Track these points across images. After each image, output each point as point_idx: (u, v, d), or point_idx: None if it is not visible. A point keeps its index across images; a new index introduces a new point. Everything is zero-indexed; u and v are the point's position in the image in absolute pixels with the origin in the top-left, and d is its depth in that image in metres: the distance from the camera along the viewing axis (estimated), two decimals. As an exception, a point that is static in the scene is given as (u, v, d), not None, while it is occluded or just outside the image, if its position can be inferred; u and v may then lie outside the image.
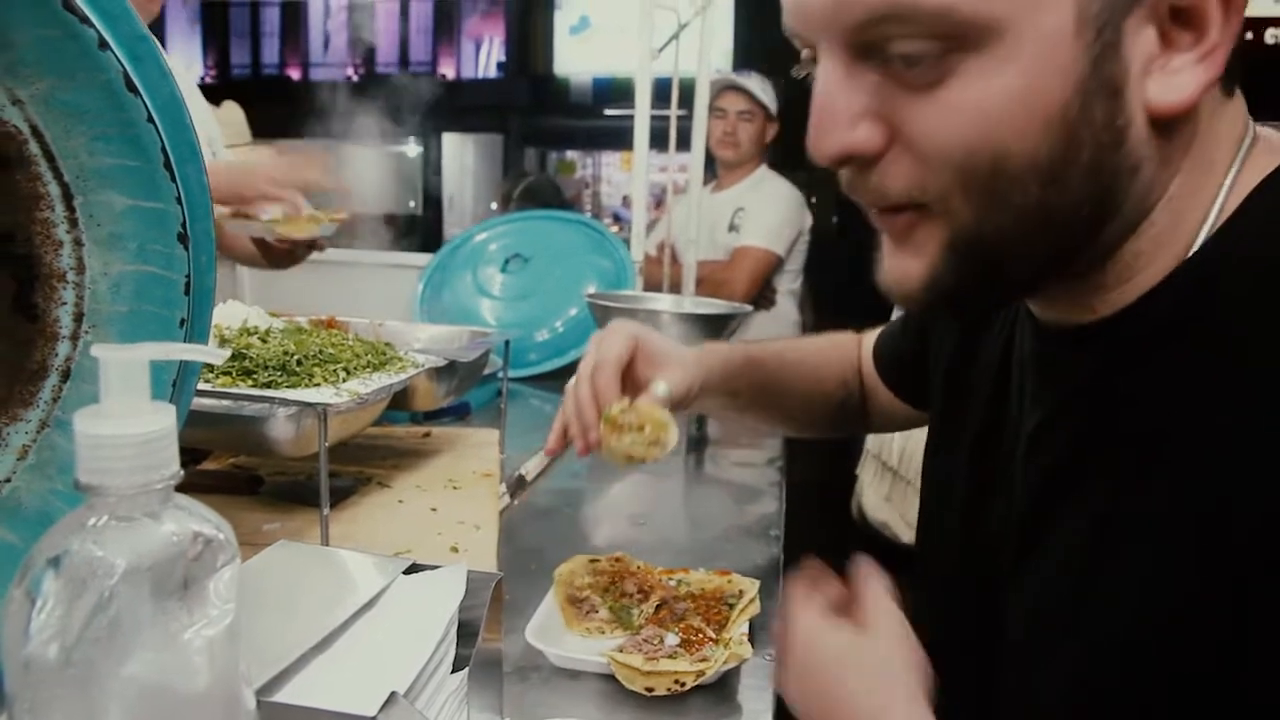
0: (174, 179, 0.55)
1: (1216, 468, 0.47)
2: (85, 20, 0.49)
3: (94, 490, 0.35)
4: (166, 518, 0.36)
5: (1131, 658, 0.50)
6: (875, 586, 0.61)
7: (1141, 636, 0.49)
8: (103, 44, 0.50)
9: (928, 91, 0.48)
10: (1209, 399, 0.48)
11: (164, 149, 0.54)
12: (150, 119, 0.53)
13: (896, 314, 0.97)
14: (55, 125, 0.54)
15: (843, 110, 0.50)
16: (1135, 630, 0.49)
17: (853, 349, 1.00)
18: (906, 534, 1.60)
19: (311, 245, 1.52)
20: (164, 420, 0.36)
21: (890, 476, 1.69)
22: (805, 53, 0.54)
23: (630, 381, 0.84)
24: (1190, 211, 0.51)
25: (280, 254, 1.54)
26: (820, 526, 1.68)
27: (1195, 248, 0.51)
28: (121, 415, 0.36)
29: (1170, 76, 0.47)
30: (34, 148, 0.54)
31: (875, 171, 0.51)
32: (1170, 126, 0.49)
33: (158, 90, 0.54)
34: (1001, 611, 0.61)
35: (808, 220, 2.71)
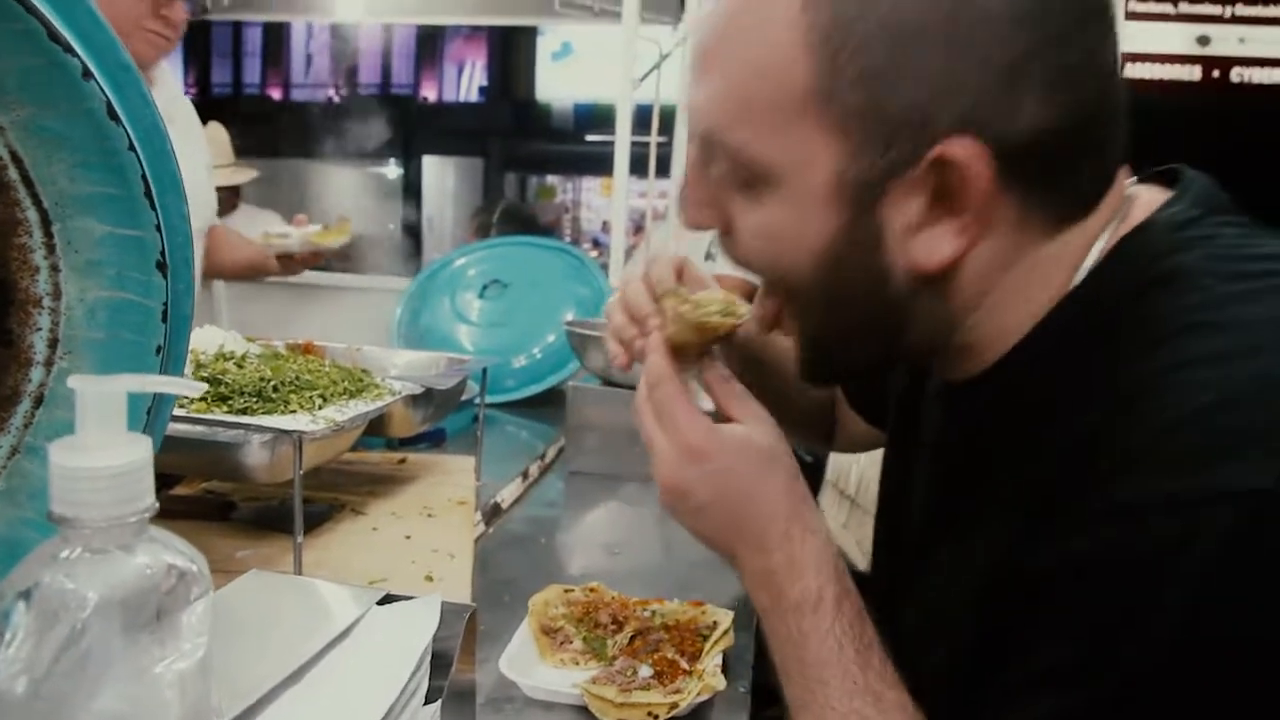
0: (154, 207, 0.55)
1: (1023, 506, 0.53)
2: (70, 50, 0.49)
3: (67, 522, 0.35)
4: (140, 550, 0.36)
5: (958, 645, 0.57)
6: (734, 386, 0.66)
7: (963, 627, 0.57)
8: (86, 73, 0.50)
9: (742, 197, 0.57)
10: (1023, 451, 0.55)
11: (144, 177, 0.54)
12: (132, 147, 0.53)
13: None
14: (36, 152, 0.54)
15: (696, 197, 0.60)
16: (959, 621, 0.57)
17: None
18: (862, 561, 1.61)
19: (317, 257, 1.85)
20: (140, 453, 0.36)
21: (848, 504, 1.70)
22: None
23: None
24: (1026, 307, 0.57)
25: (294, 264, 1.84)
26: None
27: (1035, 324, 0.57)
28: (97, 447, 0.36)
29: (930, 241, 0.54)
30: (13, 174, 0.54)
31: (723, 242, 0.61)
32: (942, 276, 0.55)
33: (140, 119, 0.54)
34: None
35: None
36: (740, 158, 0.55)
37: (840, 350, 0.62)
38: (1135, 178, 0.61)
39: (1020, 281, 0.57)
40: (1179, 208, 0.56)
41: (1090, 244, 0.56)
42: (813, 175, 0.53)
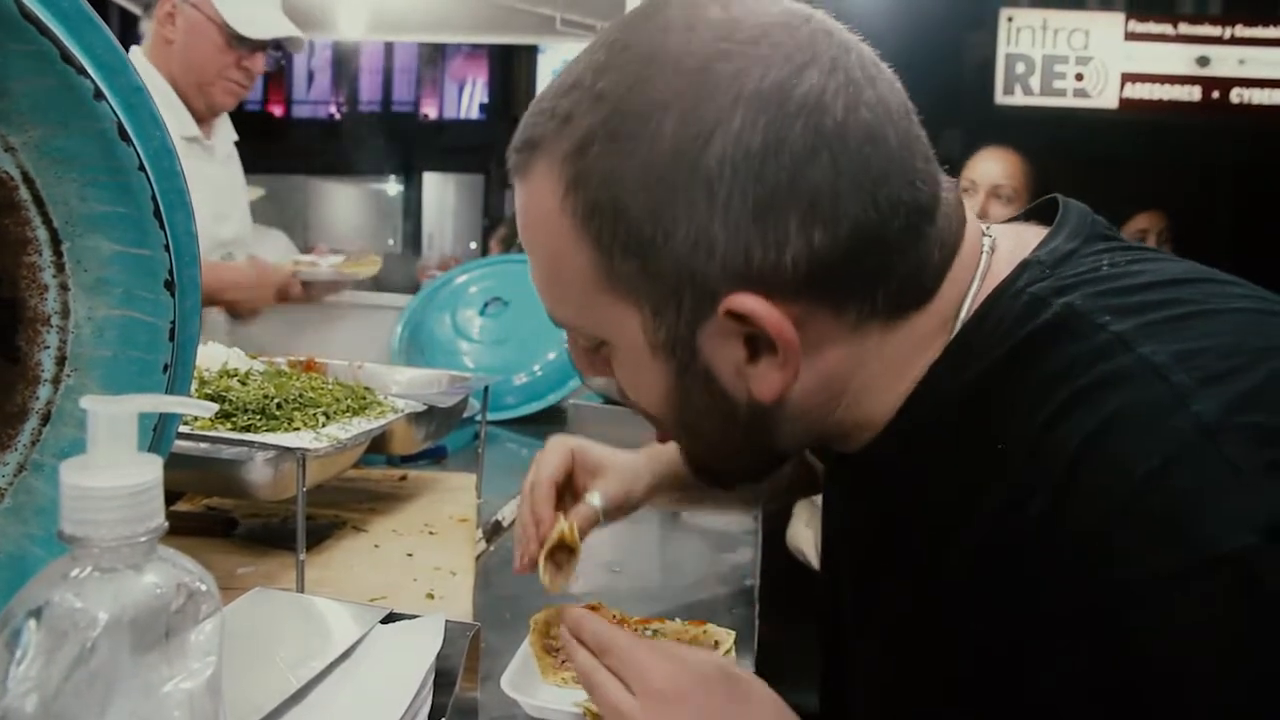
0: (163, 226, 0.55)
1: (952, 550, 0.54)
2: (82, 71, 0.50)
3: (78, 542, 0.35)
4: (149, 569, 0.37)
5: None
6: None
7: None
8: (98, 94, 0.51)
9: (606, 364, 0.60)
10: (936, 498, 0.56)
11: (154, 197, 0.54)
12: (141, 167, 0.54)
13: None
14: (46, 172, 0.54)
15: (579, 363, 0.64)
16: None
17: None
18: (812, 556, 1.64)
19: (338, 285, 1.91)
20: (150, 473, 0.36)
21: (812, 506, 1.72)
22: None
23: (572, 492, 0.88)
24: (895, 386, 0.57)
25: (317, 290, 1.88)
26: (795, 574, 1.68)
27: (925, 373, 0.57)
28: (108, 467, 0.36)
29: (759, 378, 0.55)
30: (24, 193, 0.54)
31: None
32: (784, 397, 0.56)
33: (149, 139, 0.55)
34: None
35: None
36: (576, 331, 0.60)
37: (721, 465, 0.65)
38: (1014, 217, 0.63)
39: (877, 374, 0.57)
40: (1055, 243, 0.56)
41: (951, 316, 0.56)
42: (629, 340, 0.56)
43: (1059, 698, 0.47)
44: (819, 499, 1.76)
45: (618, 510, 0.87)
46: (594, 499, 0.85)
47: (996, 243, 0.58)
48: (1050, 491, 0.48)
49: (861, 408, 0.58)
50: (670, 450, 0.92)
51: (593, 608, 0.88)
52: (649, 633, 0.86)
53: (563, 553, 0.82)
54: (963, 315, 0.56)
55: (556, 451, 0.88)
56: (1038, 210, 0.62)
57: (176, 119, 1.72)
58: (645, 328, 0.55)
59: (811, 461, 1.00)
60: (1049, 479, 0.48)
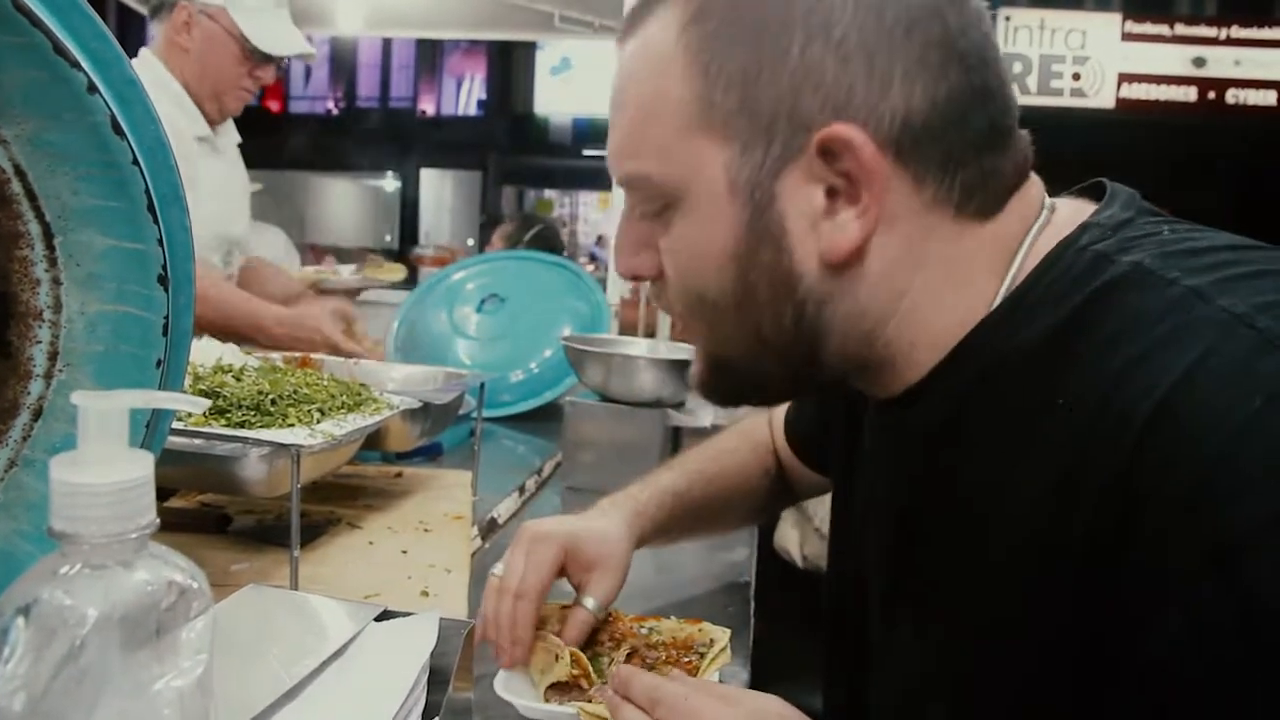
0: (156, 221, 0.55)
1: (1023, 501, 0.52)
2: (75, 64, 0.49)
3: (68, 538, 0.35)
4: (140, 566, 0.36)
5: (1006, 682, 0.54)
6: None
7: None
8: (92, 88, 0.50)
9: (664, 234, 0.60)
10: (1001, 449, 0.54)
11: (148, 191, 0.54)
12: (135, 161, 0.53)
13: None
14: (39, 165, 0.54)
15: (628, 241, 0.63)
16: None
17: (765, 433, 1.03)
18: (797, 555, 1.67)
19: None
20: (141, 469, 0.36)
21: (797, 507, 1.74)
22: None
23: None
24: (950, 312, 0.57)
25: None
26: (791, 572, 1.68)
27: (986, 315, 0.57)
28: (99, 463, 0.35)
29: (834, 229, 0.55)
30: (16, 187, 0.54)
31: (656, 287, 0.64)
32: (852, 265, 0.56)
33: (144, 133, 0.54)
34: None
35: None
36: (648, 189, 0.59)
37: (748, 367, 0.62)
38: (1055, 196, 0.62)
39: (936, 282, 0.57)
40: (1111, 211, 0.57)
41: (1011, 249, 0.57)
42: (708, 184, 0.56)
43: (1167, 659, 0.45)
44: (808, 502, 1.78)
45: (611, 602, 0.84)
46: (589, 603, 0.81)
47: (1055, 205, 0.59)
48: (1131, 444, 0.46)
49: (912, 327, 0.58)
50: (648, 512, 0.91)
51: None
52: (644, 631, 0.86)
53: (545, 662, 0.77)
54: (1019, 259, 0.56)
55: (549, 557, 0.80)
56: (1082, 192, 0.62)
57: (190, 120, 1.77)
58: (729, 165, 0.55)
59: (788, 470, 1.00)
60: (1126, 430, 0.46)
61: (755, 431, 1.04)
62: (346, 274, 1.89)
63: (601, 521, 0.87)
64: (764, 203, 0.56)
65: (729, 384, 0.65)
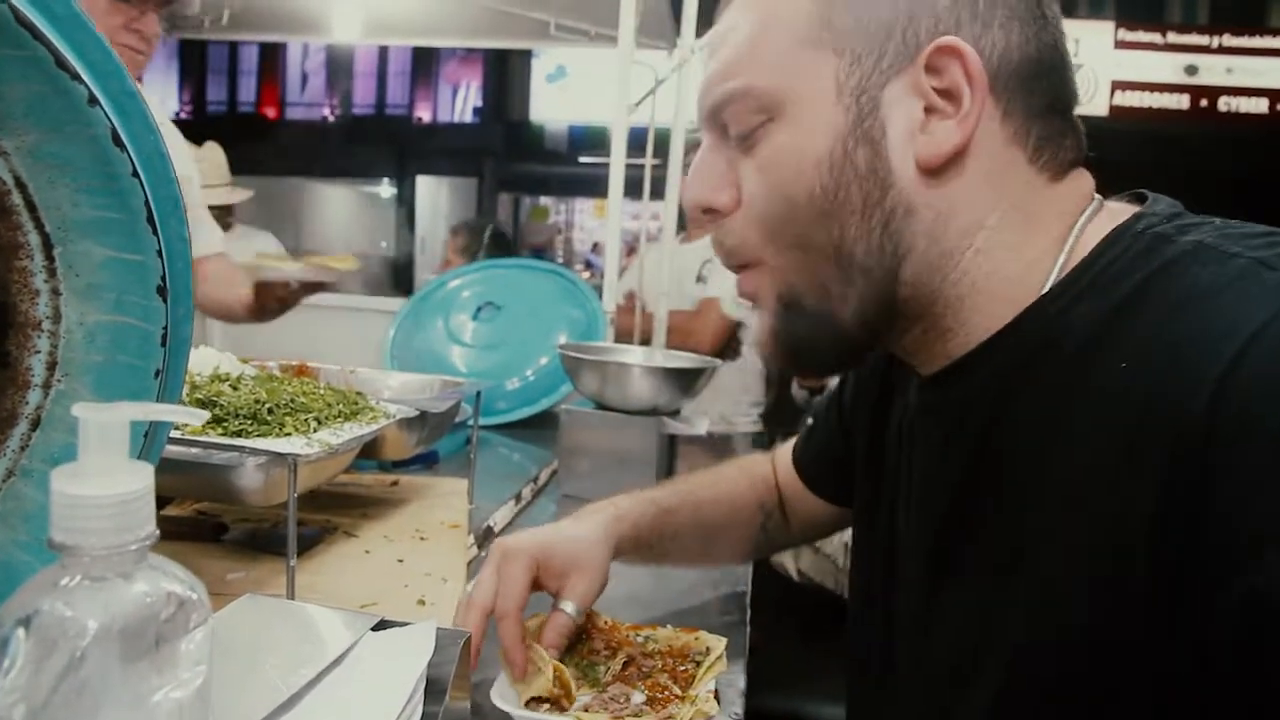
0: (156, 232, 0.55)
1: (1085, 469, 0.53)
2: (76, 77, 0.50)
3: (68, 550, 0.35)
4: (139, 578, 0.36)
5: (1059, 650, 0.54)
6: None
7: (1065, 620, 0.54)
8: (92, 100, 0.51)
9: (752, 156, 0.62)
10: (1060, 417, 0.55)
11: (147, 203, 0.54)
12: (135, 173, 0.53)
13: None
14: (39, 177, 0.54)
15: (706, 173, 0.65)
16: (1059, 617, 0.54)
17: (766, 469, 1.03)
18: (793, 569, 1.68)
19: (317, 286, 1.70)
20: (142, 481, 0.36)
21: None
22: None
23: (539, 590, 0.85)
24: (1013, 265, 0.60)
25: (272, 303, 1.70)
26: (787, 581, 1.68)
27: (1046, 289, 0.59)
28: (99, 474, 0.36)
29: (933, 135, 0.59)
30: (16, 198, 0.54)
31: (721, 229, 0.65)
32: (947, 177, 0.59)
33: (144, 145, 0.55)
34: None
35: None
36: (750, 103, 0.61)
37: (824, 304, 0.62)
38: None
39: (1007, 226, 0.60)
40: (1160, 207, 0.60)
41: (1068, 223, 0.60)
42: (815, 92, 0.60)
43: (1262, 598, 0.45)
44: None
45: (591, 604, 0.84)
46: (568, 607, 0.81)
47: (1102, 200, 0.63)
48: (1204, 407, 0.47)
49: (977, 270, 0.60)
50: (629, 518, 0.90)
51: (584, 615, 0.88)
52: (640, 639, 0.86)
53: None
54: (1073, 237, 0.59)
55: (520, 570, 0.81)
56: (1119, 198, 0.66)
57: None
58: (839, 73, 0.59)
59: (790, 508, 1.00)
60: (1197, 393, 0.47)
61: (756, 466, 1.04)
62: (295, 264, 1.69)
63: (575, 528, 0.87)
64: (868, 108, 0.59)
65: (799, 330, 0.64)
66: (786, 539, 1.03)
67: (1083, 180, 0.63)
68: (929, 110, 0.59)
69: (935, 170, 0.59)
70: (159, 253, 0.55)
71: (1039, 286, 0.59)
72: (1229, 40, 7.21)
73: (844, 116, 0.59)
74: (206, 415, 0.39)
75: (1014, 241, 0.60)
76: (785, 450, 1.03)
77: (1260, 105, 7.24)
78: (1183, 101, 7.20)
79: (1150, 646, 0.50)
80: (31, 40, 0.48)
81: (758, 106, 0.61)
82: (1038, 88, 0.60)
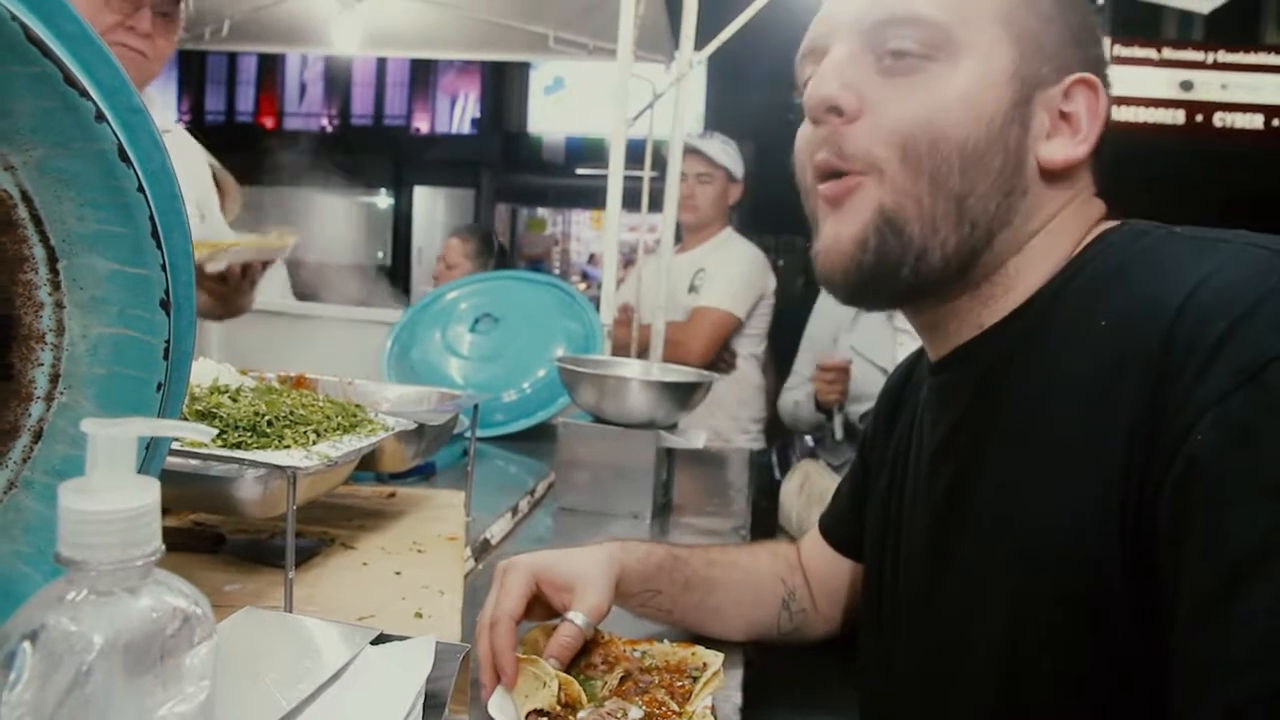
0: (160, 246, 0.56)
1: (1077, 419, 0.61)
2: (84, 94, 0.50)
3: (75, 565, 0.35)
4: (145, 593, 0.37)
5: (1055, 576, 0.62)
6: None
7: (1057, 556, 0.62)
8: (99, 116, 0.51)
9: (903, 79, 0.68)
10: (1054, 378, 0.64)
11: (152, 217, 0.55)
12: (141, 188, 0.54)
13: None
14: (45, 191, 0.54)
15: (839, 75, 0.69)
16: (1052, 553, 0.62)
17: (789, 549, 1.03)
18: None
19: (260, 266, 1.59)
20: (149, 496, 0.37)
21: (786, 538, 1.74)
22: (811, 62, 0.74)
23: (545, 612, 0.85)
24: (1060, 241, 0.71)
25: (228, 295, 1.58)
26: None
27: (1058, 269, 0.70)
28: (107, 490, 0.36)
29: (1055, 145, 0.70)
30: (22, 212, 0.55)
31: (843, 133, 0.69)
32: (1050, 178, 0.70)
33: (150, 161, 0.55)
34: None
35: (771, 283, 2.70)
36: (933, 33, 0.67)
37: (925, 232, 0.68)
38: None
39: (1062, 227, 0.71)
40: (1144, 222, 0.70)
41: (1089, 227, 0.71)
42: (996, 61, 0.68)
43: (1200, 455, 0.53)
44: (795, 533, 1.80)
45: (601, 618, 0.84)
46: (577, 618, 0.81)
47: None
48: (1164, 328, 0.57)
49: (1035, 253, 0.70)
50: (635, 551, 0.90)
51: (581, 628, 0.88)
52: (637, 654, 0.86)
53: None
54: (1087, 240, 0.70)
55: (518, 581, 0.82)
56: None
57: None
58: (1015, 61, 0.68)
59: (813, 585, 1.00)
60: (1158, 322, 0.57)
61: (779, 546, 1.03)
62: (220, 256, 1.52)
63: (577, 549, 0.88)
64: (1026, 99, 0.68)
65: (888, 246, 0.69)
66: (813, 621, 0.99)
67: (1099, 202, 0.75)
68: (1057, 121, 0.69)
69: (1050, 172, 0.69)
70: (163, 266, 0.56)
71: (1053, 272, 0.69)
72: (1224, 57, 7.26)
73: (1011, 95, 0.68)
74: (213, 432, 0.40)
75: (1069, 231, 0.71)
76: (808, 536, 1.03)
77: (1255, 121, 7.28)
78: (1178, 117, 7.25)
79: (1128, 566, 0.58)
80: (40, 57, 0.48)
81: (938, 41, 0.67)
82: (1106, 145, 0.72)
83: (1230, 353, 0.53)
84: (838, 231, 0.70)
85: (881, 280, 0.70)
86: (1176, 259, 0.61)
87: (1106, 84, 0.71)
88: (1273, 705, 0.47)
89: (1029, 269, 0.70)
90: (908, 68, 0.67)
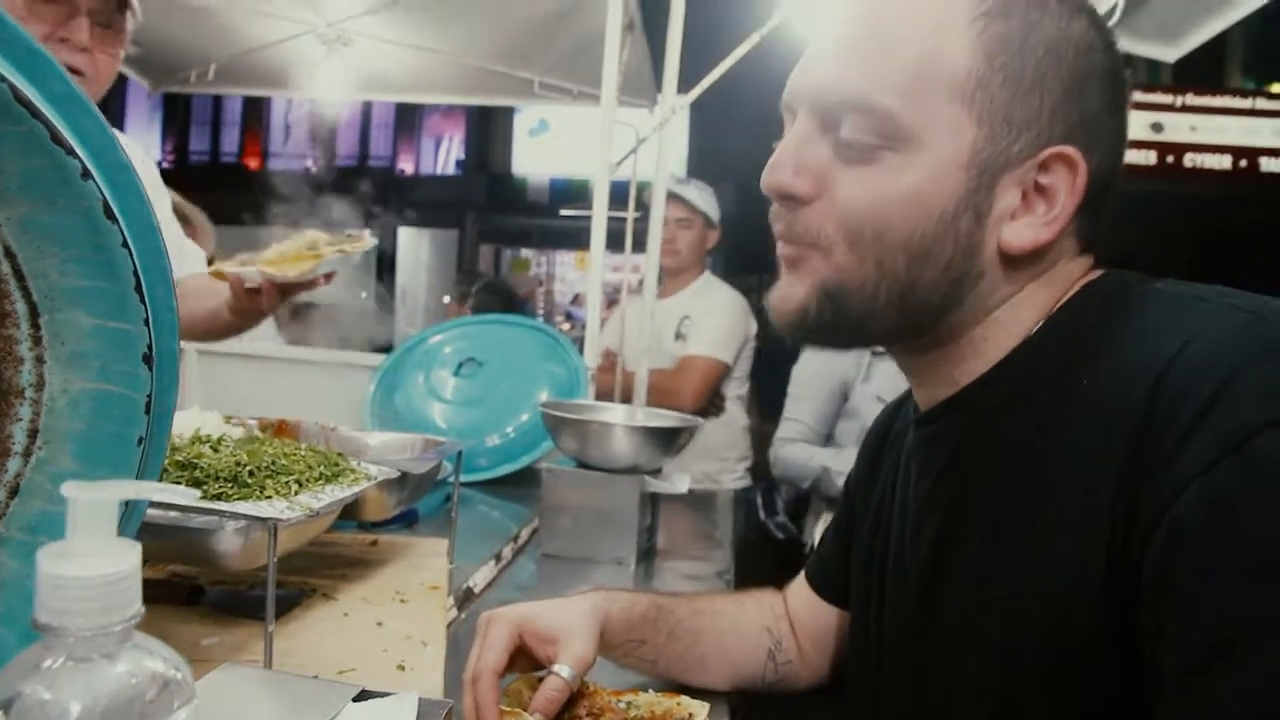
0: (144, 301, 0.56)
1: (1060, 484, 0.62)
2: (71, 152, 0.50)
3: (53, 631, 0.35)
4: (123, 658, 0.36)
5: (1036, 635, 0.62)
6: None
7: (1038, 611, 0.62)
8: (85, 173, 0.51)
9: (857, 167, 0.66)
10: (1039, 434, 0.64)
11: (136, 272, 0.55)
12: (125, 244, 0.54)
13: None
14: (29, 247, 0.54)
15: (793, 161, 0.68)
16: (1034, 606, 0.62)
17: (776, 598, 1.02)
18: None
19: (303, 286, 1.47)
20: (129, 560, 0.36)
21: None
22: (788, 115, 0.72)
23: (529, 664, 0.84)
24: (1028, 311, 0.69)
25: (253, 306, 1.48)
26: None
27: (1033, 331, 0.69)
28: (86, 555, 0.36)
29: (1020, 228, 0.66)
30: (5, 268, 0.54)
31: (797, 213, 0.69)
32: (1014, 260, 0.67)
33: (135, 217, 0.55)
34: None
35: (753, 326, 2.74)
36: (882, 125, 0.65)
37: (869, 307, 0.68)
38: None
39: (1035, 293, 0.69)
40: (1124, 273, 0.70)
41: (1072, 283, 0.70)
42: (950, 149, 0.64)
43: (1184, 519, 0.54)
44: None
45: (586, 669, 0.82)
46: (563, 671, 0.80)
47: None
48: (1146, 394, 0.57)
49: (1006, 318, 0.69)
50: (620, 601, 0.90)
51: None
52: (622, 705, 0.85)
53: None
54: (1068, 296, 0.69)
55: (500, 635, 0.81)
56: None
57: None
58: (975, 142, 0.64)
59: (799, 634, 0.99)
60: (1140, 385, 0.57)
61: (764, 595, 1.03)
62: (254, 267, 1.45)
63: (560, 600, 0.87)
64: (986, 184, 0.65)
65: (831, 317, 0.69)
66: (799, 672, 0.98)
67: (1088, 258, 0.72)
68: (1024, 200, 0.66)
69: (1012, 258, 0.67)
70: (146, 321, 0.56)
71: (1033, 328, 0.69)
72: (1192, 99, 7.44)
73: (966, 183, 0.65)
74: (197, 494, 0.39)
75: (1039, 300, 0.69)
76: (794, 584, 1.02)
77: (1224, 161, 7.44)
78: (1150, 157, 7.40)
79: (1111, 630, 0.58)
80: (28, 116, 0.49)
81: (890, 131, 0.65)
82: (1107, 198, 0.68)
83: (1213, 423, 0.53)
84: (786, 293, 0.71)
85: (828, 339, 0.72)
86: (1158, 320, 0.61)
87: (1118, 140, 0.68)
88: None
89: (994, 337, 0.69)
90: (861, 157, 0.66)
